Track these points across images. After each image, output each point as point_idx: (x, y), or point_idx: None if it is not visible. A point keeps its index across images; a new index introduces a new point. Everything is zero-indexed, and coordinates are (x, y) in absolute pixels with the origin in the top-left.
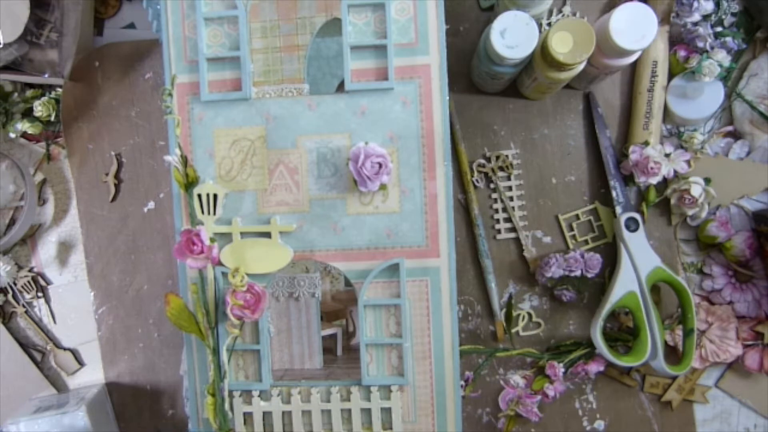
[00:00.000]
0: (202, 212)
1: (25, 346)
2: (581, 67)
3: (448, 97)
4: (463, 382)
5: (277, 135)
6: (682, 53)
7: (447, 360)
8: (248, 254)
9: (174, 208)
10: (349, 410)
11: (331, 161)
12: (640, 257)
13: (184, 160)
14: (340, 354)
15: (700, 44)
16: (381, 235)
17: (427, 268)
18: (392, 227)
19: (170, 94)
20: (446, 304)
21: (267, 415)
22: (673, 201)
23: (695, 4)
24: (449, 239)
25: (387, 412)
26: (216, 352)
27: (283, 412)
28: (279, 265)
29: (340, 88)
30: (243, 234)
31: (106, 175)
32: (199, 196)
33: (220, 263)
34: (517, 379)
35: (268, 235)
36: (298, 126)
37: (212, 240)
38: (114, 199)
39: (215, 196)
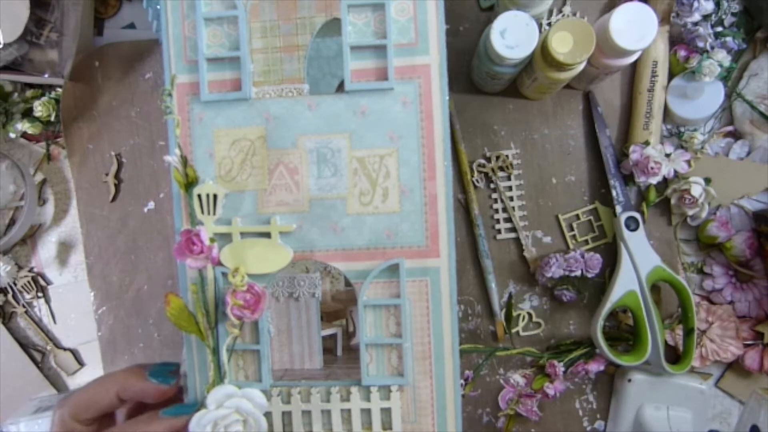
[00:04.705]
0: (202, 212)
1: (25, 346)
2: (581, 67)
3: (448, 97)
4: (462, 381)
5: (277, 135)
6: (682, 53)
7: (447, 360)
8: (248, 254)
9: (174, 208)
10: (349, 410)
11: (331, 161)
12: (640, 257)
13: (184, 161)
14: (340, 354)
15: (700, 44)
16: (381, 236)
17: (427, 268)
18: (392, 227)
19: (170, 95)
20: (446, 304)
21: (267, 415)
22: (673, 201)
23: (695, 4)
24: (449, 239)
25: (387, 412)
26: (216, 352)
27: (283, 413)
28: (279, 265)
29: (340, 88)
30: (243, 234)
31: (106, 175)
32: (199, 196)
33: (220, 263)
34: (517, 378)
35: (268, 235)
36: (298, 126)
37: (212, 240)
38: (114, 199)
39: (215, 196)
